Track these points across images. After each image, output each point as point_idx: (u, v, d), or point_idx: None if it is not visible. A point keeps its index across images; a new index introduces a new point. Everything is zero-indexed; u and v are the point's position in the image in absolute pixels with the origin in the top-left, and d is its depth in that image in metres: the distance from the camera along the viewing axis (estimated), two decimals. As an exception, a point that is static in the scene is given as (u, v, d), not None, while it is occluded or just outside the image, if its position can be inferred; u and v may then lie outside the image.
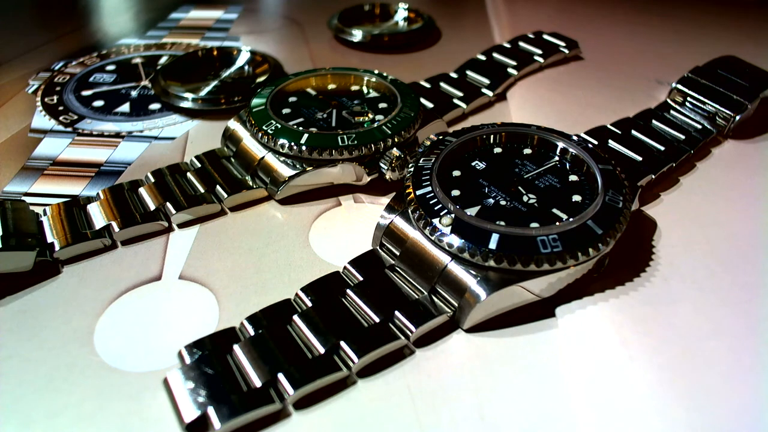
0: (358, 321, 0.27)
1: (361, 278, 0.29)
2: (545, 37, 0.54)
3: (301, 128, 0.36)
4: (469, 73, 0.48)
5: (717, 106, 0.40)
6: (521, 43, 0.52)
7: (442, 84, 0.46)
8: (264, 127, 0.36)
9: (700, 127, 0.40)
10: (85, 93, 0.48)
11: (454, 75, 0.47)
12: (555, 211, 0.29)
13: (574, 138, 0.34)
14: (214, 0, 0.69)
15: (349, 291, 0.28)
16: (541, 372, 0.26)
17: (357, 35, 0.56)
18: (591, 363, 0.26)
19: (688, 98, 0.41)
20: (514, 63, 0.49)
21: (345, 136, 0.35)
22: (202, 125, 0.44)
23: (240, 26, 0.62)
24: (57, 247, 0.31)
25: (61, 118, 0.45)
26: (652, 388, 0.25)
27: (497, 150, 0.34)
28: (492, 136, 0.34)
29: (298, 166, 0.35)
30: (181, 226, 0.34)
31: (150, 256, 0.32)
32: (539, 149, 0.34)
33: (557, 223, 0.28)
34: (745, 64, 0.44)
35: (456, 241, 0.27)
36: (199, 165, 0.37)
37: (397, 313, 0.27)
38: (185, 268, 0.31)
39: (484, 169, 0.32)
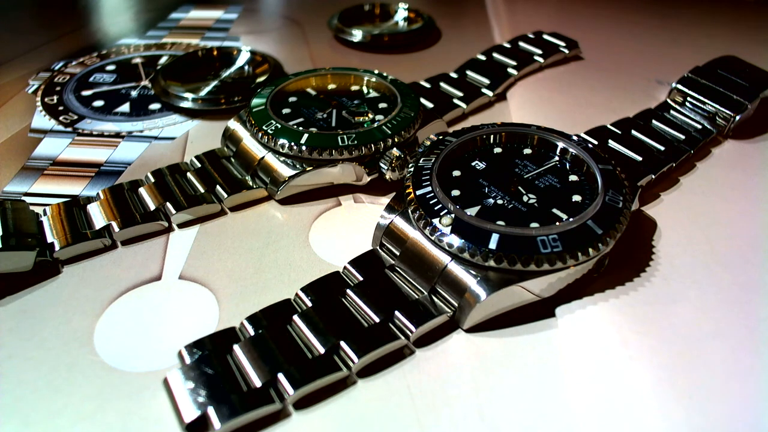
0: (358, 321, 0.27)
1: (361, 278, 0.29)
2: (545, 37, 0.54)
3: (301, 128, 0.36)
4: (469, 73, 0.48)
5: (717, 106, 0.40)
6: (521, 43, 0.52)
7: (442, 84, 0.46)
8: (264, 127, 0.36)
9: (700, 127, 0.40)
10: (85, 93, 0.48)
11: (454, 75, 0.47)
12: (555, 211, 0.29)
13: (574, 138, 0.34)
14: (214, 0, 0.69)
15: (349, 291, 0.28)
16: (541, 372, 0.26)
17: (357, 35, 0.56)
18: (591, 363, 0.26)
19: (688, 98, 0.41)
20: (514, 63, 0.49)
21: (345, 136, 0.35)
22: (202, 125, 0.44)
23: (240, 26, 0.62)
24: (57, 247, 0.31)
25: (61, 118, 0.45)
26: (652, 388, 0.25)
27: (497, 150, 0.34)
28: (492, 136, 0.34)
29: (298, 166, 0.35)
30: (181, 226, 0.34)
31: (150, 256, 0.32)
32: (539, 149, 0.34)
33: (557, 223, 0.28)
34: (745, 64, 0.44)
35: (456, 241, 0.27)
36: (199, 165, 0.37)
37: (397, 313, 0.27)
38: (185, 268, 0.31)
39: (484, 169, 0.32)
